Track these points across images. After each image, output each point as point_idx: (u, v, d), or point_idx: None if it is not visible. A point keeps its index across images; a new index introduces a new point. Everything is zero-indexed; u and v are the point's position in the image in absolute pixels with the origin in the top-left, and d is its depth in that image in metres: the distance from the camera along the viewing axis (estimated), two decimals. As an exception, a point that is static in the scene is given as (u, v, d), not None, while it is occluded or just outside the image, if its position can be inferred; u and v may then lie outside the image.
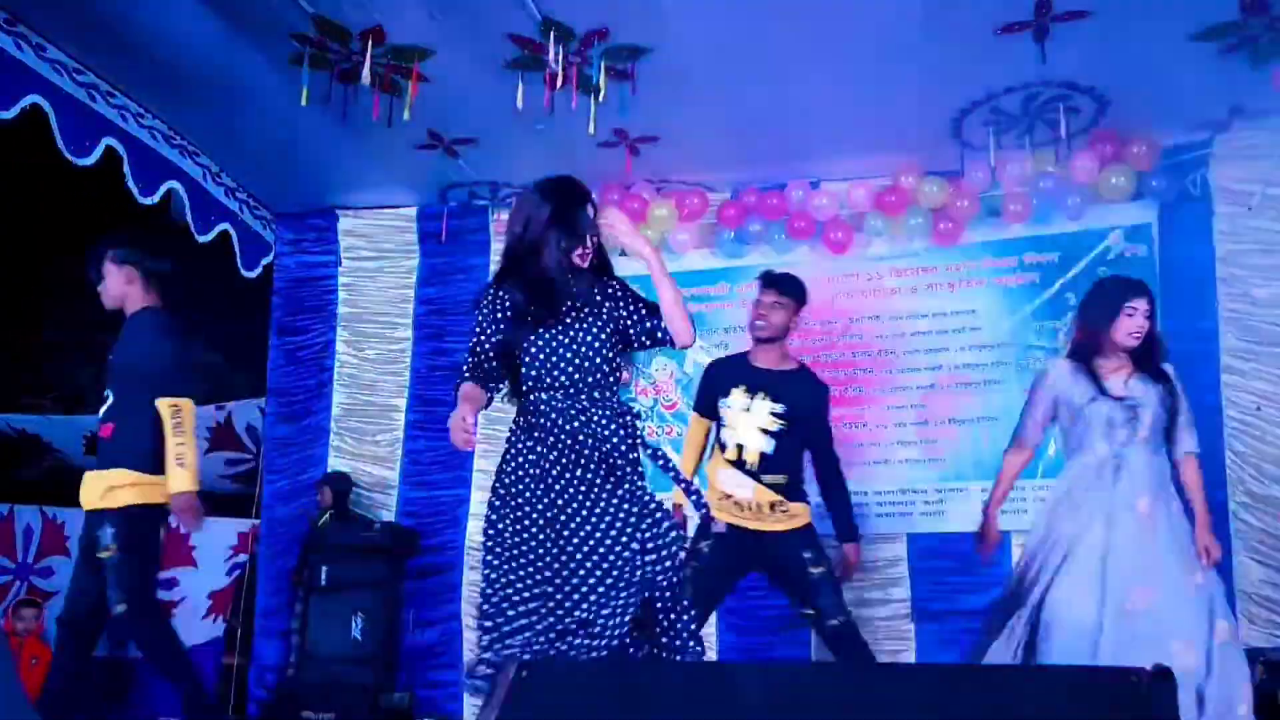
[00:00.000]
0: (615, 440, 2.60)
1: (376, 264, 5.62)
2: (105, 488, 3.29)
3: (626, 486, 2.55)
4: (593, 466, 2.56)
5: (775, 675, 1.63)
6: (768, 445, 3.62)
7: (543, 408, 2.62)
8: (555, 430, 2.60)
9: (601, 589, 2.45)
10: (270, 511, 5.42)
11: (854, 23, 3.83)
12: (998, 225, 4.92)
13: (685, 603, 2.54)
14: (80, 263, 3.55)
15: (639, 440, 2.67)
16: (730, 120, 4.55)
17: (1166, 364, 3.24)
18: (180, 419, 3.29)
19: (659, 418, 5.25)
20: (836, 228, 5.04)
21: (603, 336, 2.68)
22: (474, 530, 5.29)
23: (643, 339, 2.74)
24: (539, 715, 1.34)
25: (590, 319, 2.69)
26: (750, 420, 3.64)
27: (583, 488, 2.56)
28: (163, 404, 3.28)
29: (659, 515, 2.53)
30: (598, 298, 2.73)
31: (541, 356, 2.64)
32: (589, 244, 2.69)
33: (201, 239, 5.01)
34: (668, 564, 2.47)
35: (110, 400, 3.41)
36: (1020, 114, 4.50)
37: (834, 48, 3.99)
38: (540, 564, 2.55)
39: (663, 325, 2.69)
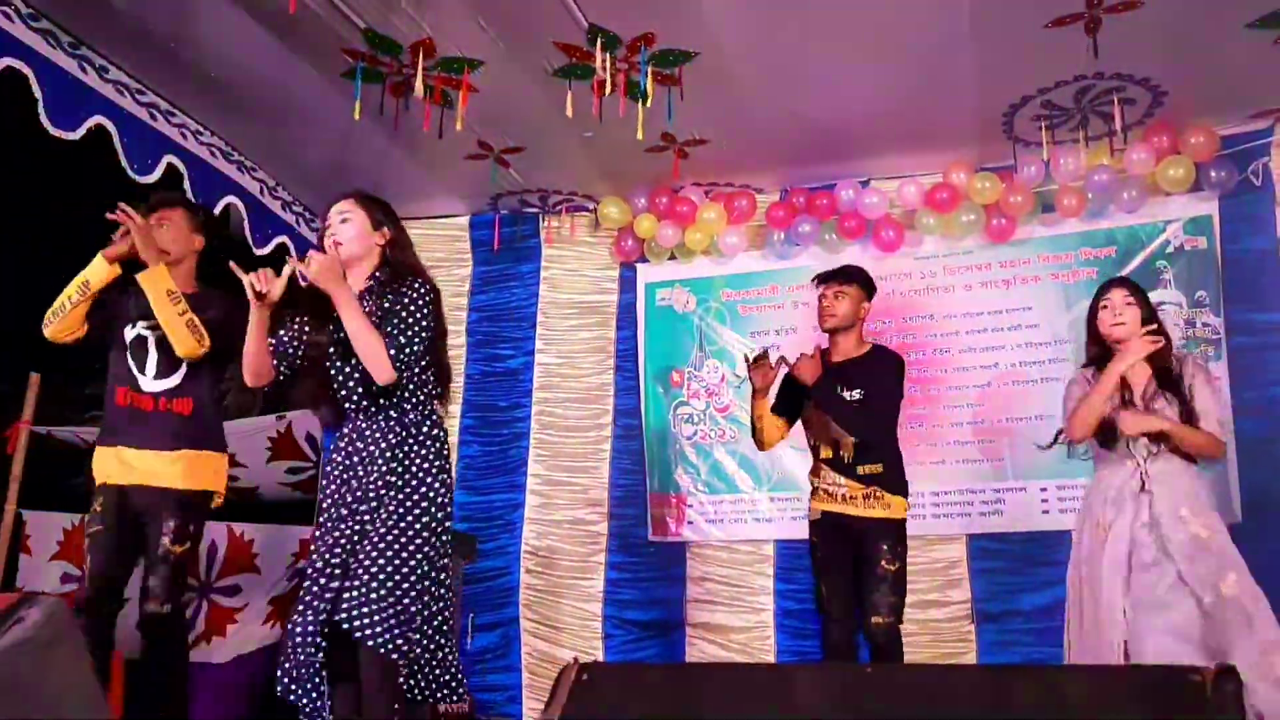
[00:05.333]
0: (390, 453, 2.71)
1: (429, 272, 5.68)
2: (184, 469, 3.28)
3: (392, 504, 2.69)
4: (370, 481, 2.72)
5: (833, 676, 1.63)
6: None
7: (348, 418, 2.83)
8: (346, 442, 2.80)
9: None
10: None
11: (902, 19, 3.80)
12: (1052, 220, 4.86)
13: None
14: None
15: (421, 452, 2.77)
16: (778, 121, 4.55)
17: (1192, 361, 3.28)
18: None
19: (711, 420, 5.26)
20: (887, 226, 5.00)
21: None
22: (529, 534, 5.34)
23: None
24: (599, 716, 1.35)
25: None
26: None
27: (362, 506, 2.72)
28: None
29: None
30: (379, 311, 2.79)
31: (332, 370, 2.83)
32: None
33: (259, 252, 5.11)
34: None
35: (184, 373, 3.39)
36: (1073, 107, 4.44)
37: (882, 45, 3.97)
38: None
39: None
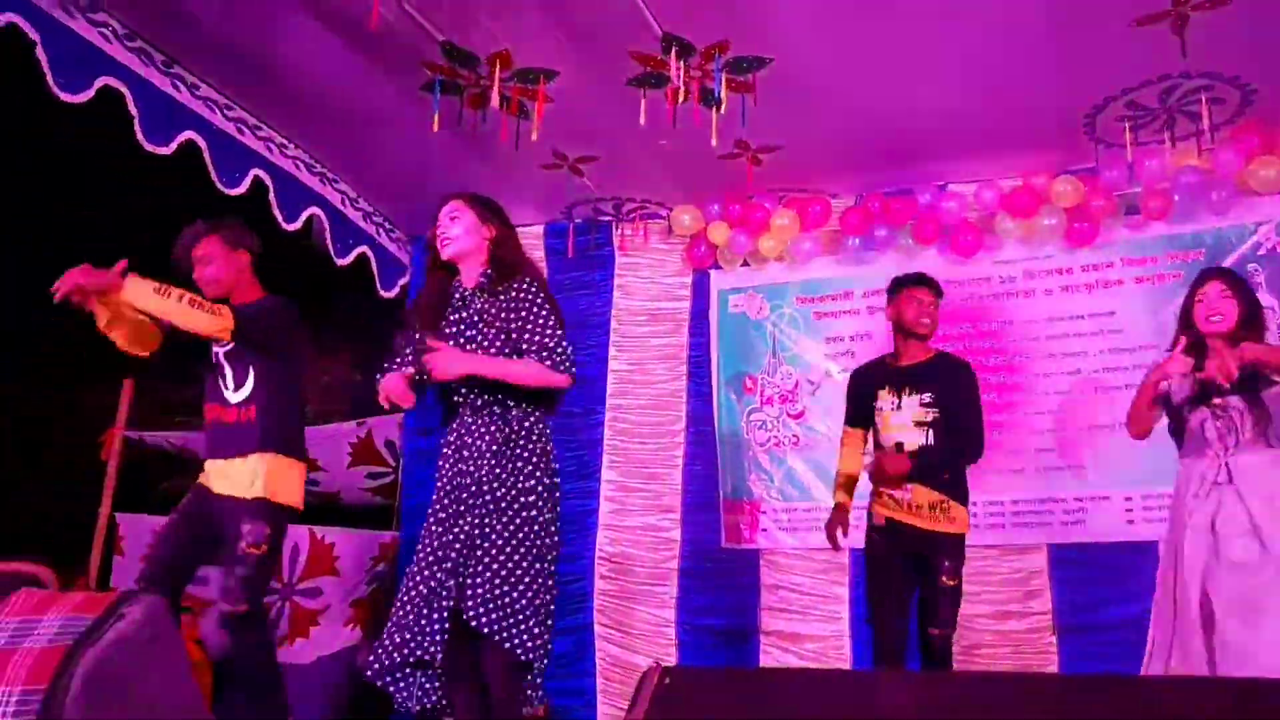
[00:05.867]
0: (496, 450, 2.79)
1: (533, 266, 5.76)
2: (257, 476, 3.32)
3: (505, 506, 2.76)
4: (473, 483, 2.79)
5: (915, 683, 1.62)
6: (926, 437, 3.64)
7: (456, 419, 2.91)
8: (455, 437, 2.88)
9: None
10: (410, 523, 5.61)
11: (980, 19, 3.75)
12: (1136, 224, 4.74)
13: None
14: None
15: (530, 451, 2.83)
16: (853, 126, 4.52)
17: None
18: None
19: (785, 427, 5.23)
20: (966, 231, 4.93)
21: (492, 349, 2.85)
22: (603, 540, 5.37)
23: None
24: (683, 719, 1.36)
25: (483, 330, 2.88)
26: (903, 416, 3.68)
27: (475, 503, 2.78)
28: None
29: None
30: (492, 310, 2.87)
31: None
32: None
33: (341, 262, 5.23)
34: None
35: (253, 380, 3.41)
36: (1159, 107, 4.33)
37: (960, 46, 3.92)
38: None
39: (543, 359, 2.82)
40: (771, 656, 4.97)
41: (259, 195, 4.59)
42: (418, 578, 2.75)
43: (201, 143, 4.19)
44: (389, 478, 6.13)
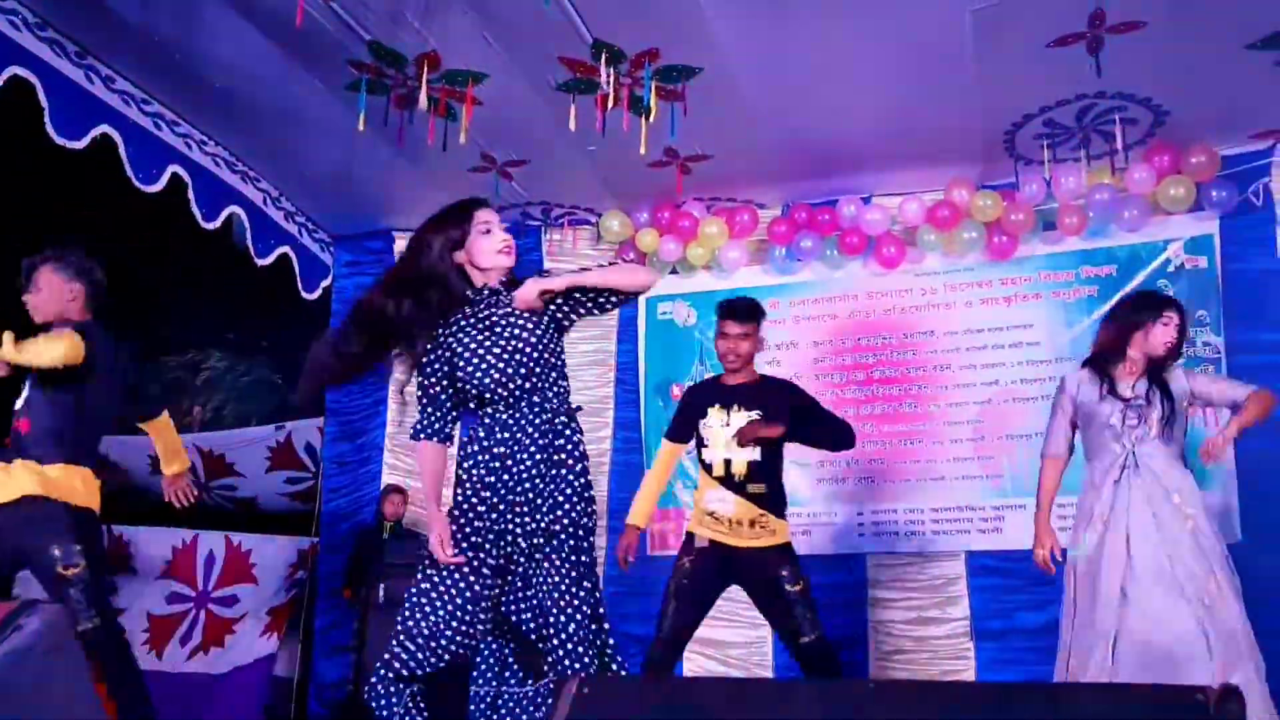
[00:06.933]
0: (544, 451, 2.53)
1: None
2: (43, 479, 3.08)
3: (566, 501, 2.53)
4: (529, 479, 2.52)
5: (831, 693, 1.63)
6: (754, 453, 3.59)
7: (486, 421, 2.57)
8: (494, 444, 2.54)
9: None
10: (329, 529, 5.51)
11: (905, 38, 3.82)
12: (1053, 239, 4.87)
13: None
14: (142, 289, 3.56)
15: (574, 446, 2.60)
16: (781, 137, 4.56)
17: (1175, 367, 3.34)
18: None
19: (712, 435, 5.25)
20: (889, 243, 5.02)
21: (531, 339, 2.56)
22: (529, 547, 5.33)
23: (585, 304, 2.63)
24: (600, 730, 1.35)
25: (518, 322, 2.58)
26: (733, 433, 3.62)
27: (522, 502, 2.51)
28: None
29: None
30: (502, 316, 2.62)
31: (470, 368, 2.57)
32: (469, 233, 2.64)
33: (261, 262, 5.12)
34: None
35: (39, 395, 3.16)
36: (1075, 126, 4.46)
37: (885, 63, 3.99)
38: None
39: (602, 287, 2.59)
40: (696, 664, 4.98)
41: (177, 192, 4.48)
42: (444, 579, 2.54)
43: (117, 137, 4.08)
44: (309, 483, 6.01)
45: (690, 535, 3.66)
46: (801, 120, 4.41)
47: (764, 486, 3.60)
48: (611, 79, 3.91)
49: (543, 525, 2.51)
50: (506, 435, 2.55)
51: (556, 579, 2.48)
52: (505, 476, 2.53)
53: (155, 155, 4.31)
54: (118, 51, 4.03)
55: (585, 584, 2.51)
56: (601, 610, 2.55)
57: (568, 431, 2.59)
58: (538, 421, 2.56)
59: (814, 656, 3.49)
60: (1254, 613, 3.09)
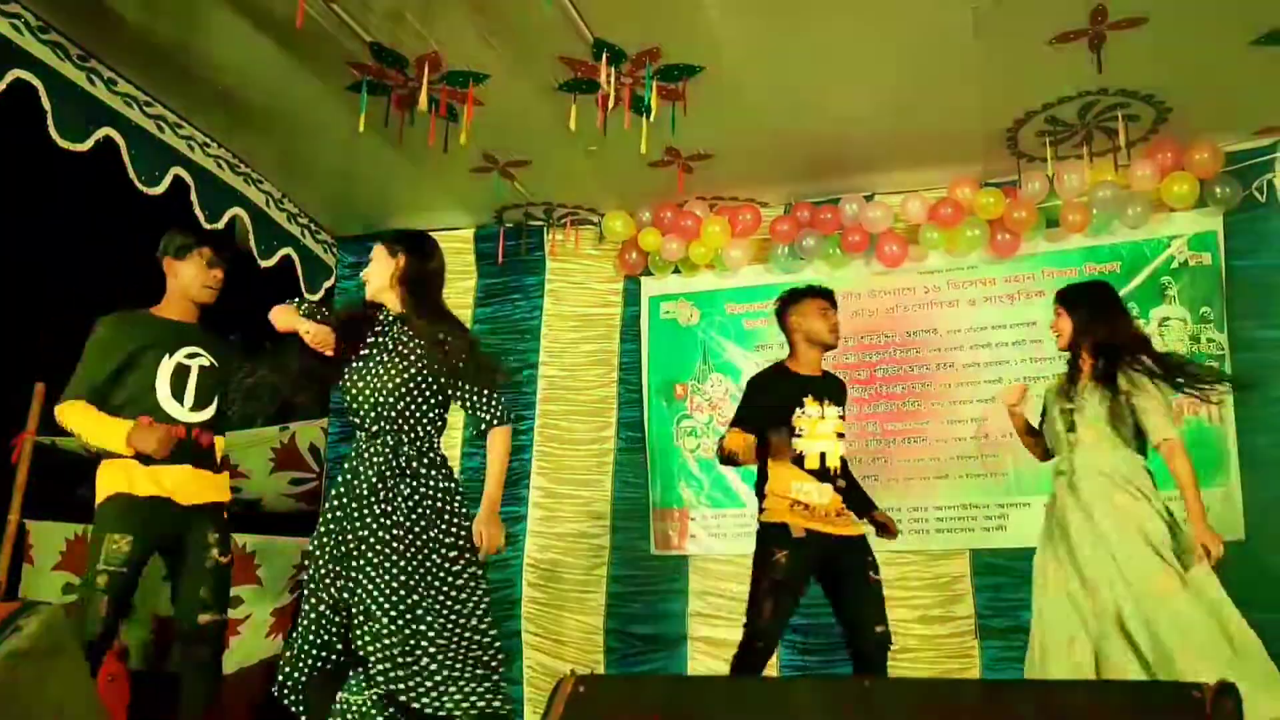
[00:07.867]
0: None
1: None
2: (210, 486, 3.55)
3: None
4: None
5: (833, 690, 1.63)
6: (844, 448, 3.73)
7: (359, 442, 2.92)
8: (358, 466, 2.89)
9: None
10: (333, 530, 5.50)
11: (906, 35, 3.82)
12: (1057, 236, 4.86)
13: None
14: (143, 290, 3.61)
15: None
16: (782, 135, 4.56)
17: (1138, 360, 3.36)
18: None
19: (714, 434, 5.24)
20: (891, 241, 5.01)
21: (402, 376, 2.90)
22: (532, 547, 5.33)
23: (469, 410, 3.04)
24: (595, 729, 1.35)
25: (397, 358, 2.91)
26: (827, 427, 3.70)
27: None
28: None
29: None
30: (413, 340, 2.93)
31: (346, 384, 2.98)
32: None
33: (264, 263, 5.13)
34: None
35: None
36: (1077, 123, 4.44)
37: (886, 61, 3.98)
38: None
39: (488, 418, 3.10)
40: (699, 663, 4.98)
41: (180, 194, 4.49)
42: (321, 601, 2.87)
43: (119, 139, 4.08)
44: (312, 483, 6.01)
45: (775, 528, 3.61)
46: (803, 118, 4.40)
47: (845, 481, 3.73)
48: (612, 78, 3.91)
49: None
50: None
51: None
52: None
53: (158, 157, 4.32)
54: (120, 54, 4.04)
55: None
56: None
57: None
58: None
59: (878, 646, 3.54)
60: (1257, 611, 3.08)
